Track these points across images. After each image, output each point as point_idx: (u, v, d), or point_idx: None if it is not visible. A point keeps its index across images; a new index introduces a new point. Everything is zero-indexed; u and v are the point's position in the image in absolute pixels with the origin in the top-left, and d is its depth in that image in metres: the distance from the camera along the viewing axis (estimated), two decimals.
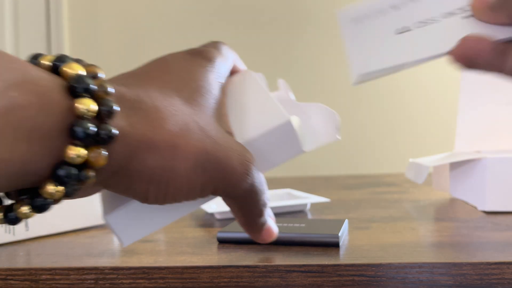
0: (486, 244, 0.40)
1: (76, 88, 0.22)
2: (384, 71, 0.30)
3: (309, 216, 0.55)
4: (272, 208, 0.55)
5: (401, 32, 0.29)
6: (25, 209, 0.22)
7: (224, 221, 0.52)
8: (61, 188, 0.22)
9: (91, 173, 0.23)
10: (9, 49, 1.75)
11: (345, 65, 1.62)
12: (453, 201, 0.62)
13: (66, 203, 0.48)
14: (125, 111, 0.24)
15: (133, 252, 0.40)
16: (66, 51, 1.72)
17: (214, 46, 0.33)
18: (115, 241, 0.45)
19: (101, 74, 0.24)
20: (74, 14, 1.74)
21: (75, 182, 0.22)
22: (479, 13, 0.28)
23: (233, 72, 0.34)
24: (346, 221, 0.46)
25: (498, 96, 0.59)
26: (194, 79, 0.28)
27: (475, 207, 0.57)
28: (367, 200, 0.65)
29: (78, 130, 0.21)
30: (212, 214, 0.56)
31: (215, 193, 0.28)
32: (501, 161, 0.52)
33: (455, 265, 0.34)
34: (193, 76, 0.29)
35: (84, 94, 0.22)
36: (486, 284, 0.34)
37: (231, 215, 0.53)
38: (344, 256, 0.37)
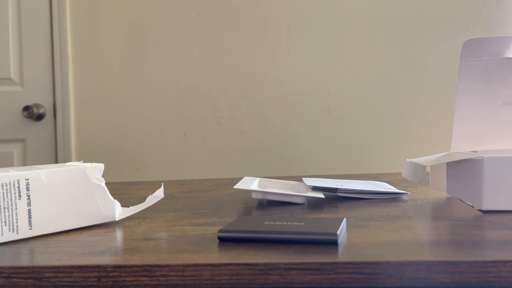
0: (483, 242, 0.40)
1: None
2: None
3: (308, 210, 0.55)
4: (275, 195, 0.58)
5: None
6: None
7: (225, 221, 0.53)
8: None
9: None
10: (12, 50, 1.76)
11: (340, 67, 1.63)
12: (449, 200, 0.62)
13: (69, 202, 0.49)
14: None
15: (135, 250, 0.41)
16: (69, 51, 1.72)
17: None
18: (117, 240, 0.45)
19: None
20: (77, 14, 1.74)
21: None
22: None
23: None
24: (344, 219, 0.46)
25: (494, 96, 0.60)
26: None
27: (472, 206, 0.57)
28: (365, 199, 0.66)
29: None
30: (213, 211, 0.57)
31: None
32: (497, 161, 0.53)
33: (452, 263, 0.35)
34: None
35: None
36: (483, 282, 0.34)
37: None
38: (342, 254, 0.37)
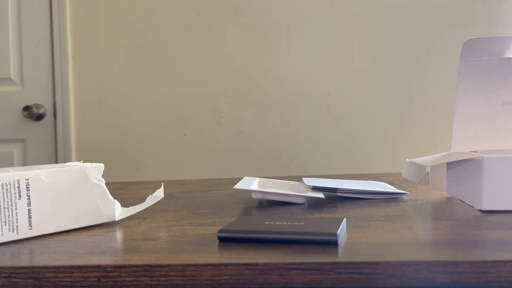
0: (483, 242, 0.40)
1: None
2: None
3: (308, 210, 0.55)
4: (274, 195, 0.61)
5: None
6: None
7: (225, 221, 0.53)
8: None
9: None
10: (12, 50, 1.76)
11: (340, 67, 1.62)
12: (449, 200, 0.62)
13: (69, 202, 0.49)
14: None
15: (135, 250, 0.41)
16: (69, 51, 1.72)
17: None
18: (118, 240, 0.45)
19: None
20: (77, 14, 1.74)
21: None
22: None
23: None
24: (344, 219, 0.46)
25: (494, 97, 0.60)
26: None
27: (472, 206, 0.57)
28: (365, 199, 0.66)
29: None
30: (213, 211, 0.57)
31: None
32: (497, 161, 0.53)
33: (452, 263, 0.35)
34: None
35: None
36: (483, 282, 0.34)
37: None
38: (342, 254, 0.37)
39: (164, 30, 1.70)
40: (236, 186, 0.63)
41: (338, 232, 0.41)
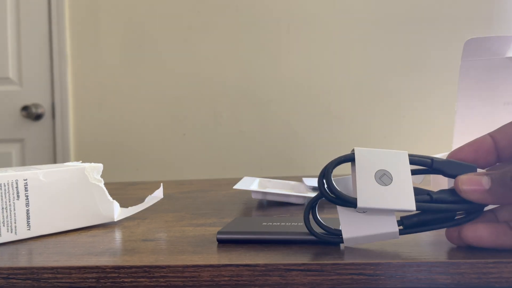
0: None
1: None
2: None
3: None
4: (273, 195, 0.62)
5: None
6: None
7: (225, 221, 0.53)
8: None
9: None
10: (11, 49, 1.75)
11: (340, 67, 1.63)
12: None
13: (67, 202, 0.48)
14: None
15: (135, 251, 0.41)
16: (68, 51, 1.72)
17: None
18: (116, 240, 0.45)
19: None
20: (75, 13, 1.74)
21: None
22: (472, 196, 0.35)
23: None
24: None
25: (495, 96, 0.59)
26: None
27: None
28: None
29: None
30: (213, 212, 0.57)
31: None
32: None
33: (453, 264, 0.35)
34: None
35: None
36: (484, 282, 0.34)
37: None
38: (343, 255, 0.37)
39: (164, 30, 1.69)
40: (236, 187, 0.62)
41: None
